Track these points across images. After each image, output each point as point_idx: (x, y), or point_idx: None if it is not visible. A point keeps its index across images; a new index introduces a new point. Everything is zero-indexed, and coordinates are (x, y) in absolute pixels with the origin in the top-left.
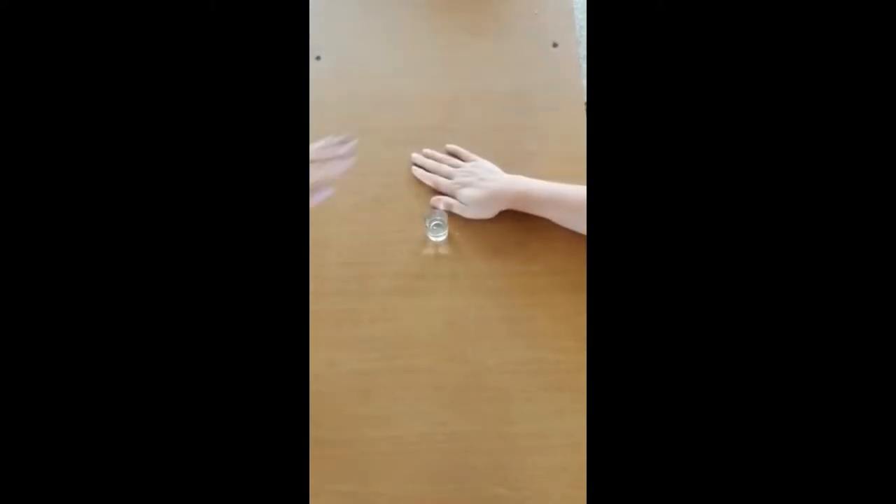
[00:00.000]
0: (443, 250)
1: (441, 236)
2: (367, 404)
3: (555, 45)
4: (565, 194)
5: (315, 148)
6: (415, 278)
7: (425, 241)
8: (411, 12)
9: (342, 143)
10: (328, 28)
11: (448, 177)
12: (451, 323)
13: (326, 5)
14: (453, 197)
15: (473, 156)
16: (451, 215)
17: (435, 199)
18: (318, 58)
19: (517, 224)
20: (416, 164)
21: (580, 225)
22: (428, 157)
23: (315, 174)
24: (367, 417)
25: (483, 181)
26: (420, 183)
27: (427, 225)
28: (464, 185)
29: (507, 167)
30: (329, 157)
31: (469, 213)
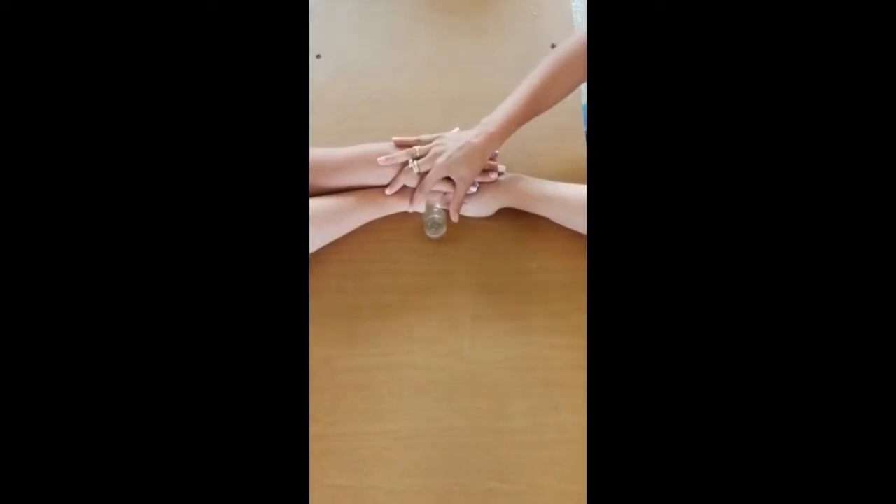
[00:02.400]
0: (441, 247)
1: (439, 233)
2: (364, 400)
3: (553, 46)
4: (563, 193)
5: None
6: (412, 275)
7: (423, 238)
8: (411, 13)
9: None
10: (329, 27)
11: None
12: (448, 319)
13: (327, 5)
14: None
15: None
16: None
17: (431, 198)
18: (318, 56)
19: (515, 222)
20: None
21: (577, 223)
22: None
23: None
24: (363, 412)
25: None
26: None
27: (425, 222)
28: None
29: (506, 167)
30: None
31: (468, 212)
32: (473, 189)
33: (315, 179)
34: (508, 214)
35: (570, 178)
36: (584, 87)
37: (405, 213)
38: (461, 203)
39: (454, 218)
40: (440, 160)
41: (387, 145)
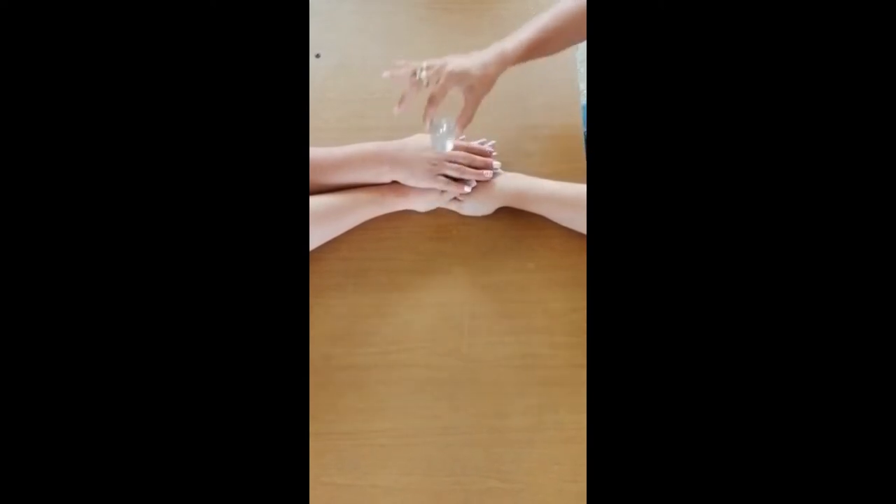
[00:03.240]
0: (439, 246)
1: (447, 147)
2: (363, 398)
3: None
4: (561, 192)
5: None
6: (411, 274)
7: (422, 237)
8: (411, 12)
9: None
10: (329, 26)
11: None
12: (447, 318)
13: (328, 3)
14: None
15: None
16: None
17: (434, 115)
18: (317, 55)
19: (514, 221)
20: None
21: (576, 222)
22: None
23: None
24: (362, 411)
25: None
26: None
27: (432, 138)
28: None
29: (505, 166)
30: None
31: (467, 211)
32: (467, 189)
33: (313, 178)
34: (507, 214)
35: (568, 178)
36: (584, 87)
37: (404, 212)
38: (471, 116)
39: (460, 131)
40: (449, 67)
41: (381, 144)
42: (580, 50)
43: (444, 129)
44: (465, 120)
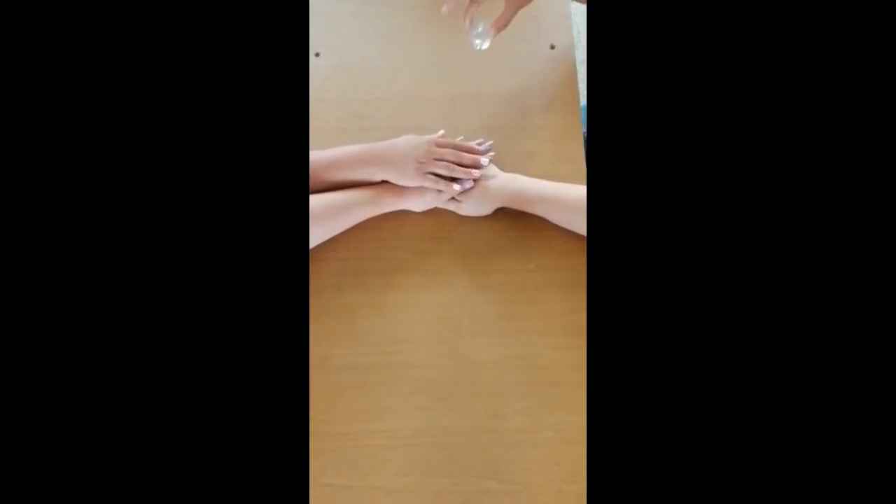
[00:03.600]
0: (438, 246)
1: (485, 45)
2: (361, 398)
3: (552, 47)
4: (560, 193)
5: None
6: (409, 274)
7: (421, 237)
8: (411, 12)
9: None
10: (328, 27)
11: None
12: (446, 319)
13: (327, 4)
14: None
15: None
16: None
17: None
18: (317, 55)
19: (513, 222)
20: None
21: (575, 223)
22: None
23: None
24: (360, 411)
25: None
26: None
27: (470, 35)
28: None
29: (504, 167)
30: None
31: (465, 211)
32: (458, 187)
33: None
34: (506, 214)
35: (567, 179)
36: (583, 88)
37: (403, 212)
38: (508, 21)
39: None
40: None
41: (371, 145)
42: (580, 50)
43: (480, 28)
44: (502, 24)
